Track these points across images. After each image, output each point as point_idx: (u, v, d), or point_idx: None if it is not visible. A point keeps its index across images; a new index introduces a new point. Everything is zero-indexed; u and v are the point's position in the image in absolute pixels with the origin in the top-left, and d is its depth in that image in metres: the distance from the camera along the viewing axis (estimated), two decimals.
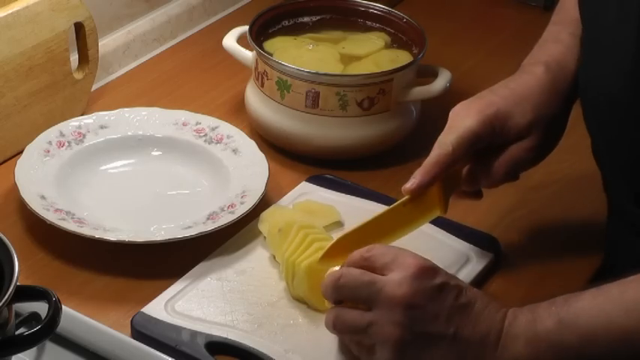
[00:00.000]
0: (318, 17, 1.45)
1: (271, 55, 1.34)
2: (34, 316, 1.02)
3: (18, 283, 0.91)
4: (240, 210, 1.19)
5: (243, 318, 1.09)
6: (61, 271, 1.16)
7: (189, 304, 1.10)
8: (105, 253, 1.17)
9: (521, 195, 1.29)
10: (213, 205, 1.22)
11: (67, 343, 1.04)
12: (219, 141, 1.31)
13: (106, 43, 1.49)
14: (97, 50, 1.40)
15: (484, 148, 1.13)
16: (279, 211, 1.21)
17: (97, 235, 1.15)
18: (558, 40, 1.17)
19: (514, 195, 1.28)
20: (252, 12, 1.42)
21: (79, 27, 1.37)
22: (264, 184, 1.23)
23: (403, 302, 0.97)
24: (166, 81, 1.50)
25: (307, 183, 1.29)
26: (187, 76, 1.52)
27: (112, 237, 1.15)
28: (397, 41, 1.41)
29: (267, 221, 1.19)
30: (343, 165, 1.33)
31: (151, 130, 1.32)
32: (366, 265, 1.01)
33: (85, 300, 1.12)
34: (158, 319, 1.08)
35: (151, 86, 1.49)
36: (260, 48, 1.35)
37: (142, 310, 1.09)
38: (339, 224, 1.22)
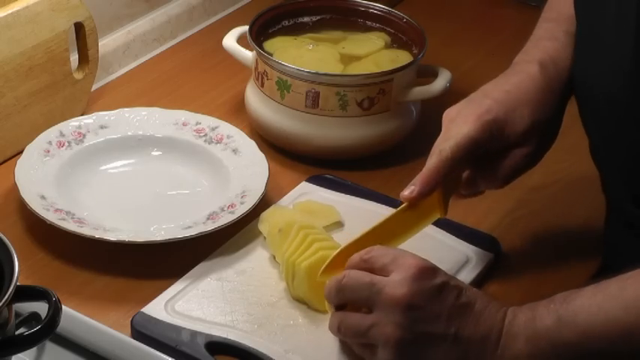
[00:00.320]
0: (318, 17, 1.45)
1: (271, 55, 1.34)
2: (34, 316, 1.02)
3: (18, 283, 0.91)
4: (240, 210, 1.19)
5: (243, 318, 1.09)
6: (61, 271, 1.16)
7: (189, 304, 1.10)
8: (105, 253, 1.17)
9: (521, 195, 1.29)
10: (213, 205, 1.22)
11: (67, 343, 1.04)
12: (219, 141, 1.31)
13: (106, 43, 1.49)
14: (97, 50, 1.40)
15: (482, 153, 1.12)
16: (279, 212, 1.21)
17: (97, 235, 1.15)
18: (553, 37, 1.16)
19: (514, 195, 1.28)
20: (252, 12, 1.42)
21: (79, 27, 1.37)
22: (264, 184, 1.23)
23: (403, 303, 0.97)
24: (166, 81, 1.50)
25: (307, 183, 1.29)
26: (187, 76, 1.52)
27: (112, 237, 1.15)
28: (397, 41, 1.41)
29: (267, 221, 1.19)
30: (343, 165, 1.33)
31: (151, 130, 1.32)
32: (366, 267, 1.01)
33: (85, 300, 1.12)
34: (158, 319, 1.07)
35: (151, 86, 1.49)
36: (260, 48, 1.35)
37: (142, 310, 1.08)
38: (339, 224, 1.22)
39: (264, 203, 1.22)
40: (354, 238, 1.08)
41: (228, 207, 1.21)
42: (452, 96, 1.35)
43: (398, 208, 1.10)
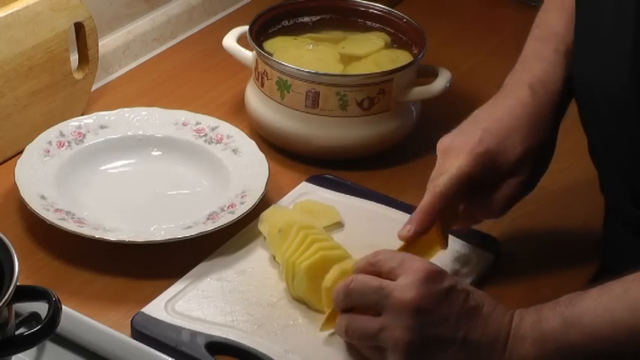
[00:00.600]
0: (318, 17, 1.45)
1: (271, 55, 1.34)
2: (34, 316, 1.02)
3: (18, 283, 0.91)
4: (240, 210, 1.19)
5: (243, 318, 1.09)
6: (61, 271, 1.16)
7: (190, 305, 1.10)
8: (105, 253, 1.17)
9: None
10: (213, 205, 1.22)
11: (67, 343, 1.04)
12: (219, 141, 1.31)
13: (106, 43, 1.49)
14: (97, 50, 1.40)
15: (477, 185, 1.12)
16: (279, 212, 1.21)
17: (97, 235, 1.15)
18: (541, 57, 1.15)
19: None
20: (252, 12, 1.42)
21: (79, 27, 1.37)
22: (264, 184, 1.23)
23: (412, 306, 0.98)
24: (166, 81, 1.50)
25: (307, 183, 1.29)
26: (187, 76, 1.52)
27: (112, 237, 1.15)
28: (397, 41, 1.41)
29: (267, 221, 1.19)
30: (343, 165, 1.33)
31: (151, 130, 1.32)
32: (373, 271, 1.02)
33: (85, 300, 1.12)
34: (158, 319, 1.08)
35: (151, 86, 1.49)
36: (260, 48, 1.35)
37: (142, 310, 1.08)
38: (339, 224, 1.22)
39: (264, 203, 1.22)
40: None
41: (228, 207, 1.21)
42: (452, 96, 1.35)
43: (398, 247, 1.10)
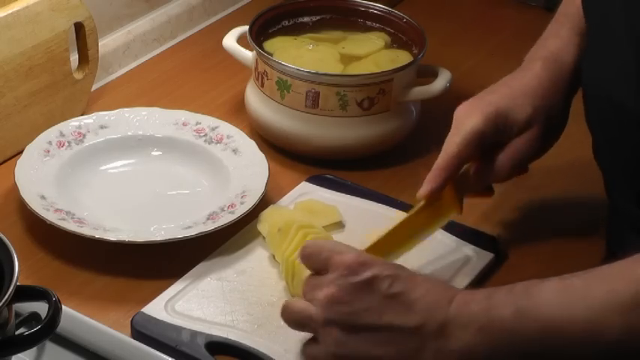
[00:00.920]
0: (318, 17, 1.45)
1: (271, 55, 1.34)
2: (34, 316, 1.01)
3: (18, 283, 0.91)
4: (240, 210, 1.19)
5: (243, 318, 1.09)
6: (61, 271, 1.16)
7: (189, 304, 1.10)
8: (105, 253, 1.17)
9: (522, 195, 1.29)
10: (213, 205, 1.22)
11: (67, 343, 1.04)
12: (219, 141, 1.31)
13: (106, 43, 1.49)
14: (97, 50, 1.40)
15: (490, 145, 1.14)
16: (278, 211, 1.21)
17: (97, 235, 1.15)
18: (557, 35, 1.19)
19: (514, 195, 1.28)
20: (252, 12, 1.42)
21: (79, 27, 1.37)
22: (264, 184, 1.23)
23: (333, 301, 0.97)
24: (166, 81, 1.50)
25: (307, 183, 1.29)
26: (187, 76, 1.52)
27: (112, 237, 1.15)
28: (397, 41, 1.41)
29: (267, 221, 1.19)
30: (343, 165, 1.33)
31: (151, 130, 1.32)
32: (307, 265, 1.02)
33: (85, 300, 1.12)
34: (158, 319, 1.08)
35: (151, 86, 1.49)
36: (260, 48, 1.35)
37: (142, 310, 1.09)
38: (339, 224, 1.22)
39: (264, 203, 1.22)
40: (372, 241, 1.07)
41: (228, 207, 1.21)
42: (452, 96, 1.35)
43: (412, 210, 1.11)
